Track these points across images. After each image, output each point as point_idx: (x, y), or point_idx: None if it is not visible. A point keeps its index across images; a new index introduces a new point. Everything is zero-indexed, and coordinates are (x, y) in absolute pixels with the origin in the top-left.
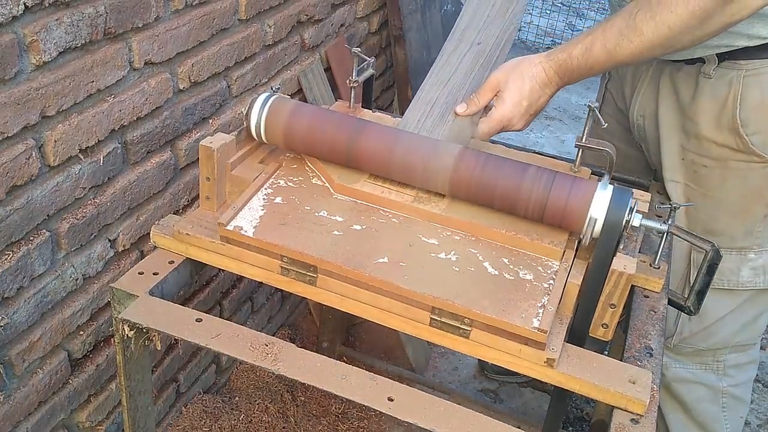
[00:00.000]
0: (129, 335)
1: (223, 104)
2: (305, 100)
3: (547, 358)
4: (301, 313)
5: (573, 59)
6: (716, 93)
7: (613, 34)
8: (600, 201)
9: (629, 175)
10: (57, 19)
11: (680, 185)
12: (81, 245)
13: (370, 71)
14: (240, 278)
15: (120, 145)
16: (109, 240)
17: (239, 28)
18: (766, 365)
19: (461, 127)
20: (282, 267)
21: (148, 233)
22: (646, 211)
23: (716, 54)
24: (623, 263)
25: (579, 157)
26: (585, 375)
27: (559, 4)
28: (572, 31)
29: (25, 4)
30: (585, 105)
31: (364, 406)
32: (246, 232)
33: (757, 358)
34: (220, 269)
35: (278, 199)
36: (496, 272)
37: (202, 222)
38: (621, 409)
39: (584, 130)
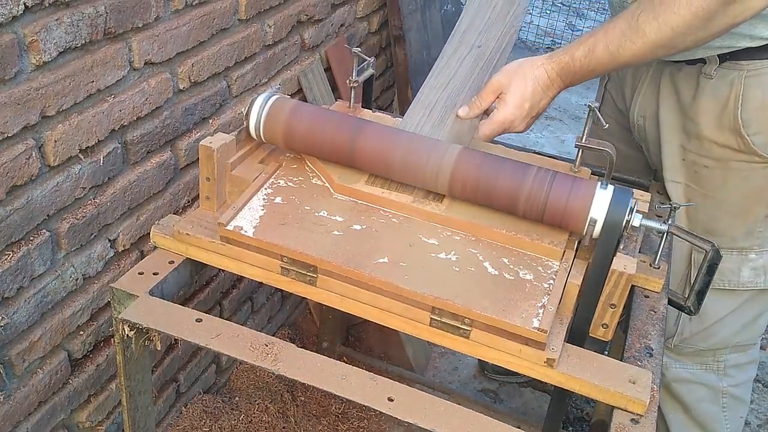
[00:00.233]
0: (129, 335)
1: (223, 104)
2: (305, 100)
3: (547, 358)
4: (301, 313)
5: (575, 61)
6: (717, 93)
7: (615, 35)
8: (600, 201)
9: (629, 175)
10: (57, 19)
11: (681, 186)
12: (81, 245)
13: (370, 71)
14: (240, 278)
15: (120, 145)
16: (109, 240)
17: (239, 28)
18: (766, 365)
19: (461, 129)
20: (282, 267)
21: (148, 233)
22: (646, 211)
23: (717, 54)
24: (623, 263)
25: (579, 157)
26: (585, 375)
27: (559, 4)
28: (572, 31)
29: (25, 4)
30: (585, 105)
31: (364, 406)
32: (246, 232)
33: (757, 358)
34: (220, 269)
35: (278, 199)
36: (496, 272)
37: (202, 222)
38: (621, 409)
39: (584, 131)
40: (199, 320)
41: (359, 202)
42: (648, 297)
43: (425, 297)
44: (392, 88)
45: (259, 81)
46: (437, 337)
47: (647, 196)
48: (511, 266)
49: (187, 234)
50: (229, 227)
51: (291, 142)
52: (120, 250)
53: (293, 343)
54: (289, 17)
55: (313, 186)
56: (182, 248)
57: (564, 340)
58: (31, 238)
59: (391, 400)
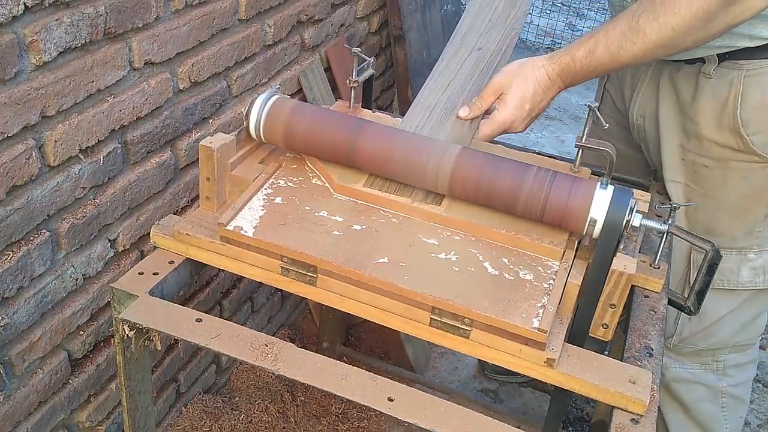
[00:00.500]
0: (129, 335)
1: (223, 104)
2: (305, 100)
3: (547, 358)
4: (301, 313)
5: (576, 62)
6: (717, 93)
7: (616, 36)
8: (600, 201)
9: (629, 175)
10: (57, 19)
11: (680, 185)
12: (81, 245)
13: (370, 71)
14: (240, 278)
15: (120, 145)
16: (109, 240)
17: (239, 28)
18: (766, 365)
19: (461, 130)
20: (282, 267)
21: (148, 233)
22: (646, 211)
23: (717, 54)
24: (623, 263)
25: (579, 157)
26: (585, 375)
27: (559, 4)
28: (572, 31)
29: (25, 4)
30: (585, 105)
31: (364, 406)
32: (246, 232)
33: (756, 358)
34: (220, 269)
35: (278, 199)
36: (496, 272)
37: (202, 222)
38: (621, 409)
39: (584, 130)
40: (199, 320)
41: (359, 202)
42: (648, 297)
43: (425, 297)
44: (392, 88)
45: (259, 81)
46: (437, 337)
47: (647, 196)
48: (511, 266)
49: (187, 234)
50: (229, 227)
51: (291, 142)
52: (120, 250)
53: (293, 343)
54: (289, 17)
55: (313, 186)
56: (182, 248)
57: (564, 340)
58: (31, 238)
59: (391, 400)
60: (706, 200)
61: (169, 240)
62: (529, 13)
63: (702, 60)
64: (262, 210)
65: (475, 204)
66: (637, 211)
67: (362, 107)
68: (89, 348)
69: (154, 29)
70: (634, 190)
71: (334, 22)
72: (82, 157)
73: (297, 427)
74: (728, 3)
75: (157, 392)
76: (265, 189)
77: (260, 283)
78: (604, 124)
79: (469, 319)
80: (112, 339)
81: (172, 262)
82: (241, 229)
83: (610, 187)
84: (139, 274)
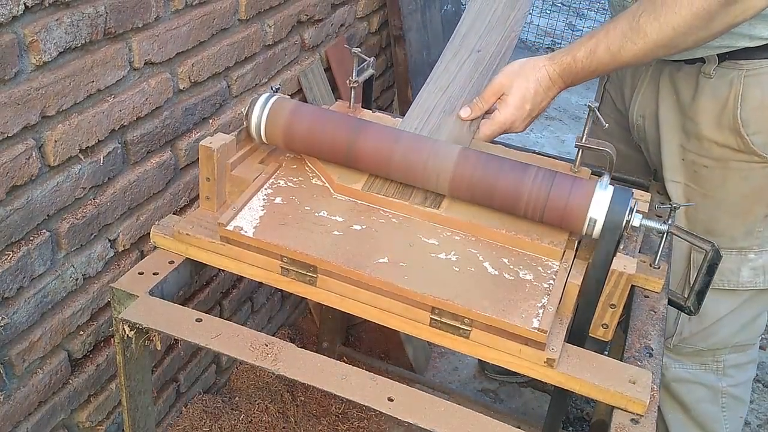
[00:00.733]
0: (129, 335)
1: (223, 104)
2: (305, 100)
3: (547, 358)
4: (301, 313)
5: (577, 62)
6: (717, 93)
7: (616, 36)
8: (600, 201)
9: (629, 175)
10: (57, 19)
11: (680, 185)
12: (81, 245)
13: (370, 71)
14: (240, 278)
15: (120, 145)
16: (109, 240)
17: (239, 28)
18: (766, 365)
19: (461, 131)
20: (282, 267)
21: (148, 233)
22: (646, 211)
23: (717, 54)
24: (623, 263)
25: (579, 157)
26: (585, 375)
27: (559, 4)
28: (572, 31)
29: (25, 4)
30: (585, 105)
31: (364, 406)
32: (246, 232)
33: (756, 358)
34: (220, 269)
35: (278, 199)
36: (496, 272)
37: (202, 222)
38: (621, 409)
39: (584, 131)
40: (199, 320)
41: (359, 202)
42: (648, 297)
43: (425, 297)
44: (392, 88)
45: (259, 81)
46: (437, 337)
47: (647, 196)
48: (511, 266)
49: (187, 234)
50: (229, 227)
51: (291, 143)
52: (120, 250)
53: (293, 343)
54: (289, 17)
55: (313, 186)
56: (182, 248)
57: (564, 340)
58: (31, 238)
59: (391, 400)
60: (706, 200)
61: (169, 240)
62: (529, 13)
63: (702, 60)
64: (262, 210)
65: (475, 204)
66: (637, 211)
67: (362, 107)
68: (89, 348)
69: (154, 29)
70: (634, 190)
71: (334, 22)
72: (82, 157)
73: (297, 427)
74: (729, 2)
75: (157, 392)
76: (265, 189)
77: (260, 283)
78: (604, 124)
79: (469, 319)
80: (112, 339)
81: (172, 262)
82: (241, 229)
83: (610, 187)
84: (139, 274)
